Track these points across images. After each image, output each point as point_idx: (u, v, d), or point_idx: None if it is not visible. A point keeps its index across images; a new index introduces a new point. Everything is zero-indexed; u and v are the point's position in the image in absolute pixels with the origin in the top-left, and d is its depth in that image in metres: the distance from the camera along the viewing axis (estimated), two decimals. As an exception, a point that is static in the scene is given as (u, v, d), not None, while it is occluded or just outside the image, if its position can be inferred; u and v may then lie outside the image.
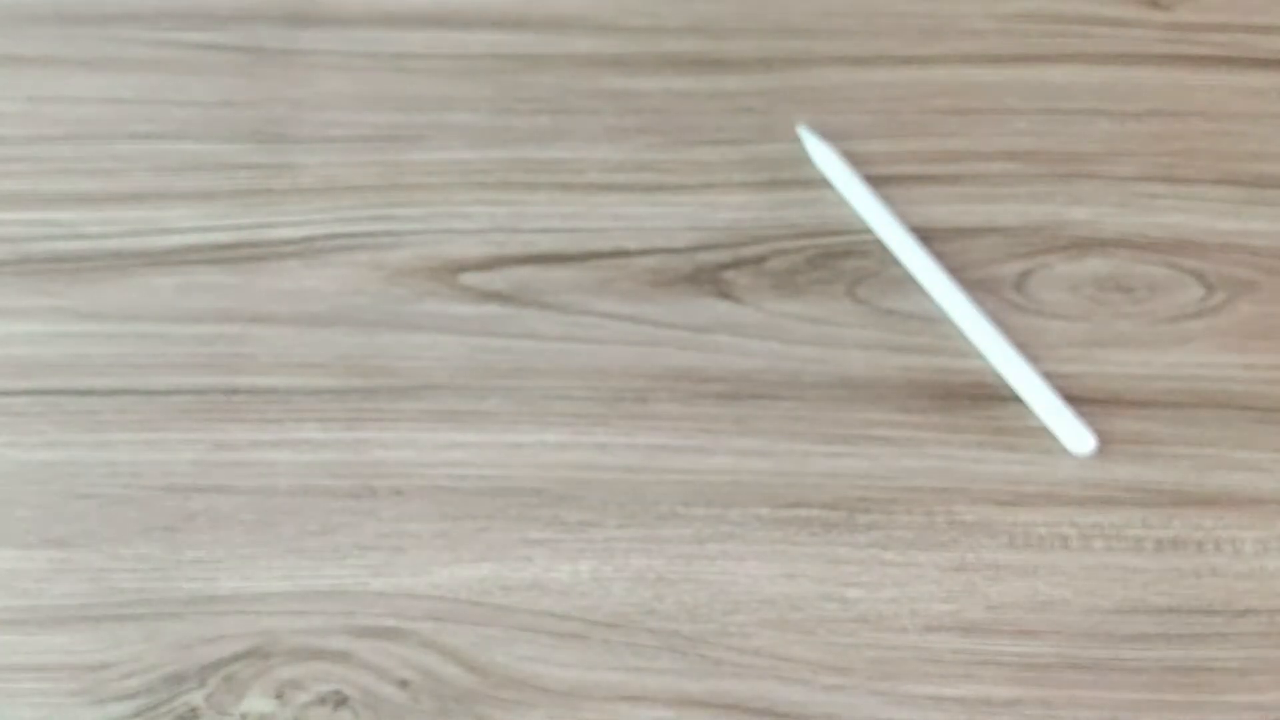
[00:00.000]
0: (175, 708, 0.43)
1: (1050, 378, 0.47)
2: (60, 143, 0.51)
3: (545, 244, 0.49)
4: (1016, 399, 0.46)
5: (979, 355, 0.47)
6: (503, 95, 0.51)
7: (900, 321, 0.48)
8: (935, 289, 0.46)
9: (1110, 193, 0.50)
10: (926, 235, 0.49)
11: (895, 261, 0.49)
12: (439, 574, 0.45)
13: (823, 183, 0.50)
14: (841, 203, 0.49)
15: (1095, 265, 0.49)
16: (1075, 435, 0.45)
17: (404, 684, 0.43)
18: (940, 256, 0.49)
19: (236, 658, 0.44)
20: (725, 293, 0.49)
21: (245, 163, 0.50)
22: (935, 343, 0.47)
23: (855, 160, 0.50)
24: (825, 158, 0.49)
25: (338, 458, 0.46)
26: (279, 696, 0.43)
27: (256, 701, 0.43)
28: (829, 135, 0.50)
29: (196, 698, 0.43)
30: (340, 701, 0.43)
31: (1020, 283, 0.46)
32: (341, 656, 0.44)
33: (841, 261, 0.49)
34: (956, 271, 0.48)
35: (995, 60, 0.52)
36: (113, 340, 0.48)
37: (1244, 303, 0.48)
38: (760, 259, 0.49)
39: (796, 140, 0.51)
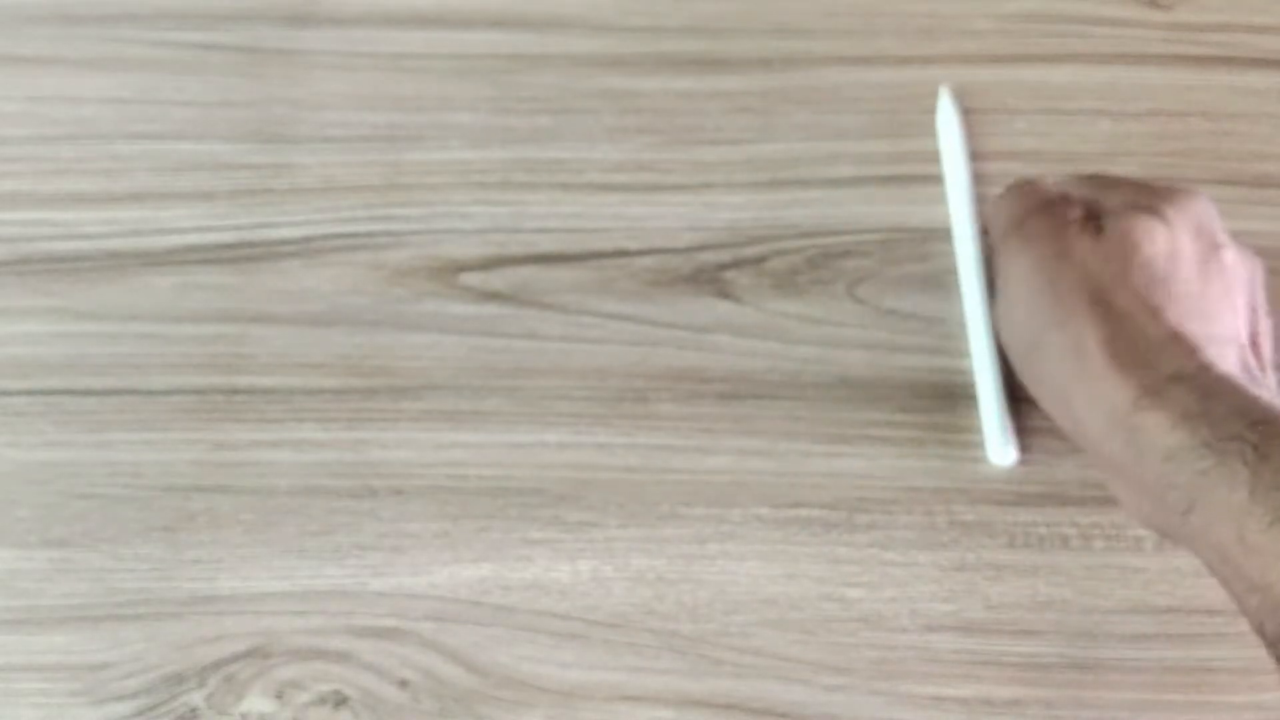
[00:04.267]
0: (175, 708, 0.43)
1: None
2: (60, 143, 0.51)
3: (545, 244, 0.49)
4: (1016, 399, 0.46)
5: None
6: (503, 95, 0.51)
7: (900, 321, 0.48)
8: (970, 291, 0.47)
9: (1110, 193, 0.50)
10: (928, 235, 0.49)
11: (895, 261, 0.49)
12: (439, 574, 0.45)
13: (823, 182, 0.50)
14: (848, 202, 0.49)
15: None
16: None
17: (404, 684, 0.43)
18: (943, 256, 0.49)
19: (236, 658, 0.44)
20: (725, 293, 0.48)
21: (245, 163, 0.50)
22: (935, 343, 0.47)
23: (854, 160, 0.50)
24: (948, 128, 0.49)
25: (338, 458, 0.46)
26: (279, 696, 0.43)
27: (256, 701, 0.43)
28: (828, 135, 0.50)
29: (196, 698, 0.43)
30: (340, 701, 0.43)
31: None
32: (341, 656, 0.44)
33: (841, 261, 0.49)
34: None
35: (995, 60, 0.52)
36: (112, 340, 0.48)
37: (1244, 303, 0.48)
38: (760, 259, 0.49)
39: (797, 140, 0.51)
